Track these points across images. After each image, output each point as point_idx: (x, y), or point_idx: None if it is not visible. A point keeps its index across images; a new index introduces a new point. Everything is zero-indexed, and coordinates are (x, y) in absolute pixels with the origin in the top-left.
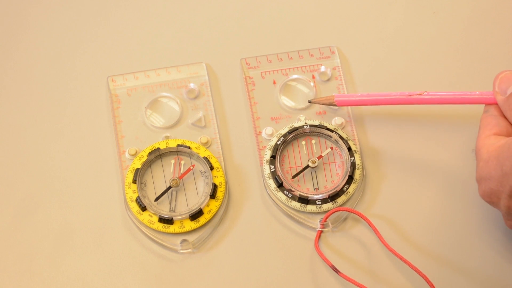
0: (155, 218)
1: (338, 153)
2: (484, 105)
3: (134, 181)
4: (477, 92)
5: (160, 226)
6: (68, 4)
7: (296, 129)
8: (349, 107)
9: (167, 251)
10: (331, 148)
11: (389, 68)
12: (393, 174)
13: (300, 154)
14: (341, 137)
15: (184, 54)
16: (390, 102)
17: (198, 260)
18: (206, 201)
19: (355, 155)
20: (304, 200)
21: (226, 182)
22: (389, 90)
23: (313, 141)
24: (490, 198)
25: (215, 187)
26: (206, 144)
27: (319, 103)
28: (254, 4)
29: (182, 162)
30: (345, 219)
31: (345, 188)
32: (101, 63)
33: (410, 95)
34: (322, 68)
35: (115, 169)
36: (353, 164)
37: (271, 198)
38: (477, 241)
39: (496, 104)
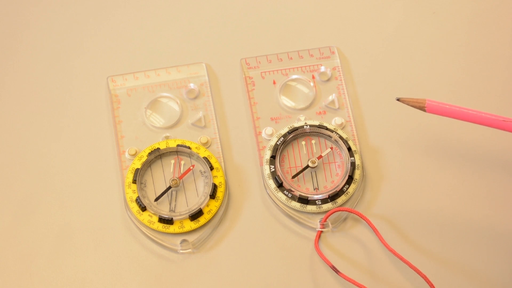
0: (155, 218)
1: (338, 153)
2: None
3: (134, 181)
4: None
5: (160, 226)
6: (68, 4)
7: (296, 129)
8: (349, 107)
9: (167, 251)
10: (331, 148)
11: (389, 68)
12: (393, 174)
13: (300, 154)
14: (341, 137)
15: (184, 54)
16: (481, 122)
17: (198, 260)
18: (206, 201)
19: (355, 155)
20: (304, 200)
21: (226, 182)
22: (389, 90)
23: (313, 141)
24: None
25: (215, 187)
26: (206, 144)
27: (407, 104)
28: (254, 4)
29: (182, 162)
30: (345, 219)
31: (345, 188)
32: (101, 63)
33: (505, 121)
34: (322, 68)
35: (115, 169)
36: (353, 164)
37: (271, 198)
38: (477, 241)
39: None
